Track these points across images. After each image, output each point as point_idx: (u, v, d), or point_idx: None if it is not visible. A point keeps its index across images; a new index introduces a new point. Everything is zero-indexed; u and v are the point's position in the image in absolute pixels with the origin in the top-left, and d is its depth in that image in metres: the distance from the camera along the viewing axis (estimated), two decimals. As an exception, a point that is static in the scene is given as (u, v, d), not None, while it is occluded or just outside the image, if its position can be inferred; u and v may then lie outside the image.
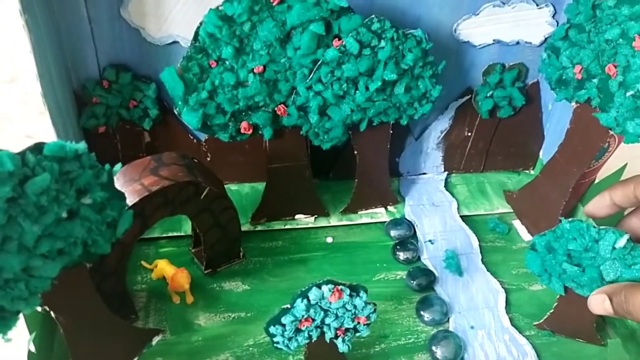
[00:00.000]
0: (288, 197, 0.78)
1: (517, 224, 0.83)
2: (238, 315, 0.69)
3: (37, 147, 0.45)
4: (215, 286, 0.72)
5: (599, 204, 0.63)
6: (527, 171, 0.91)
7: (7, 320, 0.47)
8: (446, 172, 0.89)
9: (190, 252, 0.75)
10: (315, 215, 0.81)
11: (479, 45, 0.76)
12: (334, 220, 0.81)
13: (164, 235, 0.76)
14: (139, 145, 0.76)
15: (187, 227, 0.76)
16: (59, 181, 0.47)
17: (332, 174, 0.86)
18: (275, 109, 0.68)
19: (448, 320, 0.69)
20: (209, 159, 0.79)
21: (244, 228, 0.75)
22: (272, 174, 0.75)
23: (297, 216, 0.80)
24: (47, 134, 0.94)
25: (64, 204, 0.48)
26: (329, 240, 0.79)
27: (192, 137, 0.77)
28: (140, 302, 0.69)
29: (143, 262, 0.72)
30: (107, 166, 0.51)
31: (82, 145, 0.48)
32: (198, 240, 0.73)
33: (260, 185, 0.81)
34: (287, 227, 0.80)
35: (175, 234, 0.76)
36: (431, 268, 0.75)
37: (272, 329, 0.55)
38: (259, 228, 0.79)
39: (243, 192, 0.83)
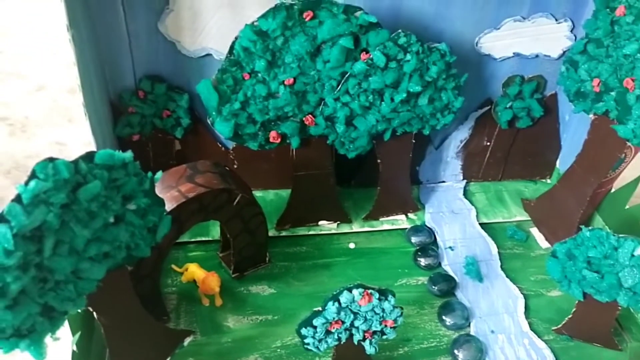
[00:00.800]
0: (312, 203, 0.80)
1: (534, 231, 0.85)
2: (265, 317, 0.71)
3: (89, 156, 0.48)
4: (243, 289, 0.74)
5: None
6: (544, 180, 0.93)
7: (56, 320, 0.50)
8: (465, 181, 0.92)
9: (218, 256, 0.77)
10: (338, 222, 0.83)
11: (500, 58, 0.79)
12: (356, 227, 0.83)
13: (193, 240, 0.79)
14: (170, 153, 0.78)
15: (214, 232, 0.79)
16: (107, 188, 0.49)
17: (354, 181, 0.88)
18: (304, 119, 0.70)
19: (469, 325, 0.71)
20: (235, 166, 0.82)
21: (269, 234, 0.78)
22: (297, 181, 0.77)
23: (320, 222, 0.82)
24: (76, 140, 0.98)
25: (111, 210, 0.51)
26: (352, 246, 0.81)
27: (220, 146, 0.80)
28: (171, 304, 0.72)
29: (173, 266, 0.75)
30: (149, 174, 0.54)
31: (128, 154, 0.51)
32: (226, 244, 0.75)
33: (284, 192, 0.84)
34: (310, 232, 0.82)
35: (203, 238, 0.79)
36: (452, 274, 0.77)
37: (303, 331, 0.57)
38: (284, 234, 0.82)
39: (268, 198, 0.86)
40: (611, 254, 0.61)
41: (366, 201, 0.85)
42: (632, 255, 0.60)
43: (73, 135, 0.95)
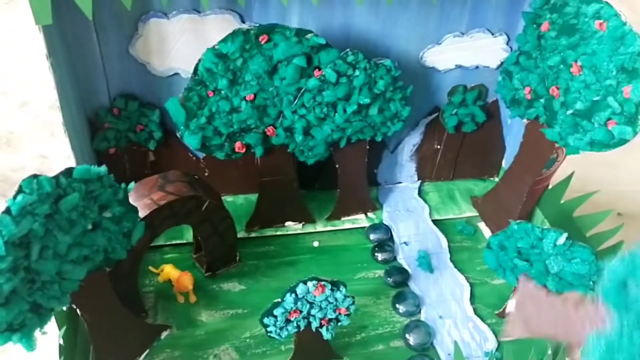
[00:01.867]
0: (278, 206, 0.87)
1: (482, 226, 0.93)
2: (236, 311, 0.78)
3: (68, 171, 0.55)
4: (215, 287, 0.81)
5: None
6: (492, 178, 1.02)
7: (44, 316, 0.56)
8: (419, 181, 1.00)
9: (192, 257, 0.84)
10: (303, 222, 0.90)
11: (443, 70, 0.86)
12: (319, 227, 0.91)
13: (168, 243, 0.85)
14: (144, 164, 0.85)
15: (188, 236, 0.86)
16: (85, 199, 0.56)
17: (317, 185, 0.95)
18: (265, 130, 0.77)
19: (420, 312, 0.79)
20: (207, 174, 0.89)
21: (239, 235, 0.84)
22: (263, 187, 0.85)
23: (286, 223, 0.90)
24: (57, 153, 1.05)
25: (89, 218, 0.57)
26: (316, 244, 0.89)
27: (192, 156, 0.87)
28: (149, 302, 0.78)
29: (150, 267, 0.81)
30: (123, 185, 0.61)
31: (103, 169, 0.58)
32: (199, 246, 0.82)
33: (253, 197, 0.91)
34: (278, 233, 0.89)
35: (178, 241, 0.86)
36: (405, 267, 0.85)
37: (265, 320, 0.65)
38: (253, 235, 0.89)
39: (238, 202, 0.93)
40: (537, 244, 0.69)
41: (329, 202, 0.93)
42: (555, 245, 0.68)
43: (55, 149, 1.02)
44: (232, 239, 0.81)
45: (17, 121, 1.09)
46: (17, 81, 1.14)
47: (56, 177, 0.53)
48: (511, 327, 0.56)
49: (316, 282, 0.64)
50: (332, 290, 0.64)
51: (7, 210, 0.50)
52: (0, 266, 0.49)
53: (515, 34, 0.84)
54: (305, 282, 0.63)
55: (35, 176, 0.51)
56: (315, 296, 0.64)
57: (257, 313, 0.77)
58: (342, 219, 0.92)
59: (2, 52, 1.17)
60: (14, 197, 0.50)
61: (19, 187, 0.51)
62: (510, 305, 0.60)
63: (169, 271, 0.79)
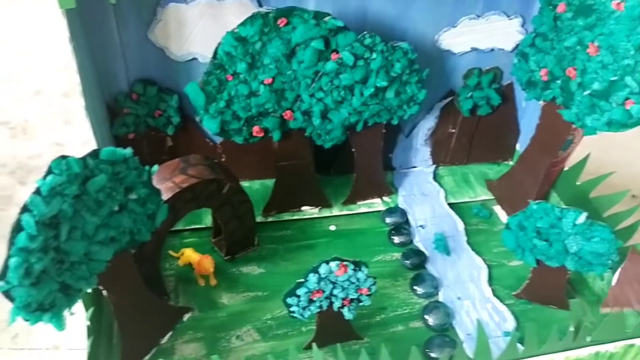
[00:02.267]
0: (295, 191, 0.88)
1: (497, 209, 0.94)
2: (256, 294, 0.79)
3: (95, 153, 0.56)
4: (235, 270, 0.82)
5: None
6: (506, 162, 1.02)
7: (73, 297, 0.57)
8: (434, 165, 1.00)
9: (211, 241, 0.85)
10: (320, 207, 0.91)
11: (459, 52, 0.87)
12: (336, 211, 0.91)
13: (187, 227, 0.86)
14: (162, 150, 0.86)
15: (207, 220, 0.86)
16: (111, 180, 0.57)
17: (333, 169, 0.96)
18: (283, 114, 0.78)
19: (438, 293, 0.80)
20: (223, 159, 0.90)
21: (257, 219, 0.85)
22: (280, 171, 0.85)
23: (303, 208, 0.90)
24: (73, 140, 1.05)
25: (116, 199, 0.58)
26: (332, 228, 0.89)
27: (209, 141, 0.87)
28: (170, 285, 0.79)
29: (171, 252, 0.82)
30: (147, 167, 0.61)
31: (128, 151, 0.58)
32: (218, 230, 0.83)
33: (269, 182, 0.91)
34: (295, 217, 0.90)
35: (196, 226, 0.86)
36: (422, 249, 0.85)
37: (289, 300, 0.65)
38: (270, 219, 0.89)
39: (254, 188, 0.93)
40: (556, 223, 0.70)
41: (345, 187, 0.93)
42: (574, 224, 0.69)
43: (71, 136, 1.02)
44: (251, 222, 0.82)
45: (32, 110, 1.10)
46: (30, 70, 1.14)
47: (84, 159, 0.54)
48: (613, 299, 0.56)
49: (339, 262, 0.64)
50: (354, 270, 0.65)
51: (37, 191, 0.51)
52: (31, 245, 0.50)
53: (531, 16, 0.84)
54: (327, 262, 0.64)
55: (63, 157, 0.52)
56: (337, 276, 0.65)
57: (277, 295, 0.79)
58: (358, 203, 0.92)
59: (17, 39, 1.18)
60: (44, 178, 0.51)
61: (49, 168, 0.51)
62: (615, 278, 0.59)
63: (190, 255, 0.79)
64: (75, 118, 1.04)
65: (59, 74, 1.10)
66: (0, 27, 1.16)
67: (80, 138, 1.01)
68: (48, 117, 1.07)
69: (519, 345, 0.65)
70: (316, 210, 0.91)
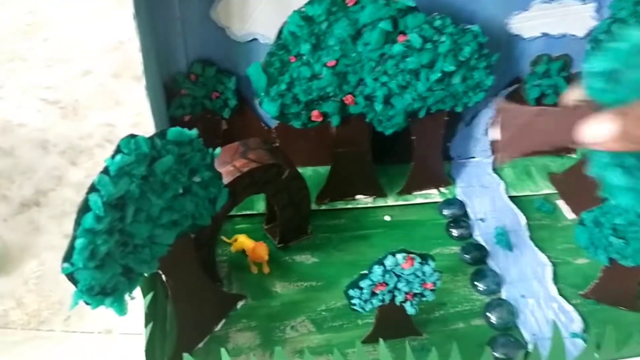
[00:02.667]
0: (350, 179, 0.85)
1: (561, 203, 0.89)
2: (310, 284, 0.77)
3: (162, 133, 0.53)
4: (288, 258, 0.80)
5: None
6: (569, 155, 0.97)
7: (134, 281, 0.56)
8: (494, 156, 0.96)
9: (263, 228, 0.83)
10: (374, 196, 0.88)
11: (528, 38, 0.82)
12: (390, 201, 0.88)
13: (240, 213, 0.84)
14: (217, 133, 0.84)
15: (259, 206, 0.84)
16: (177, 162, 0.55)
17: (388, 158, 0.93)
18: (344, 98, 0.75)
19: (500, 290, 0.76)
20: (277, 144, 0.87)
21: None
22: (337, 158, 0.82)
23: (357, 196, 0.88)
24: (123, 122, 1.04)
25: (180, 182, 0.56)
26: (387, 218, 0.86)
27: (263, 125, 0.85)
28: (223, 271, 0.77)
29: (223, 237, 0.80)
30: (210, 150, 0.59)
31: (194, 132, 0.56)
32: (271, 217, 0.81)
33: (322, 169, 0.89)
34: (348, 206, 0.87)
35: (249, 212, 0.84)
36: (483, 244, 0.82)
37: (351, 292, 0.63)
38: (323, 207, 0.87)
39: (306, 174, 0.90)
40: (636, 221, 0.66)
41: (399, 176, 0.90)
42: (656, 222, 0.65)
43: (121, 117, 1.01)
44: (307, 209, 0.79)
45: (81, 89, 1.09)
46: (81, 49, 1.13)
47: (151, 138, 0.52)
48: (501, 153, 0.51)
49: (405, 254, 0.61)
50: (420, 263, 0.62)
51: (106, 170, 0.49)
52: (98, 227, 0.49)
53: (606, 1, 0.79)
54: (394, 254, 0.61)
55: (132, 136, 0.50)
56: (403, 269, 0.62)
57: (332, 286, 0.77)
58: (414, 193, 0.89)
59: (69, 19, 1.17)
60: (112, 157, 0.49)
61: (117, 147, 0.49)
62: (493, 133, 0.53)
63: (243, 241, 0.77)
64: (126, 99, 1.03)
65: (111, 53, 1.09)
66: (55, 5, 1.15)
67: (130, 119, 1.00)
68: (98, 97, 1.06)
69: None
70: (370, 199, 0.88)
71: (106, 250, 0.50)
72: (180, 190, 0.56)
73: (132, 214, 0.52)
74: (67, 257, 0.49)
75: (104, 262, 0.51)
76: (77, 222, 0.49)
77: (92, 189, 0.48)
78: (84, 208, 0.49)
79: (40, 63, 1.15)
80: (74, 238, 0.49)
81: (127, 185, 0.50)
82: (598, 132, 0.41)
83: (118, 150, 0.49)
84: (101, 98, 1.06)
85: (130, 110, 1.00)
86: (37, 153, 0.95)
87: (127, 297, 0.55)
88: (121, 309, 0.54)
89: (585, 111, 0.43)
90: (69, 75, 1.12)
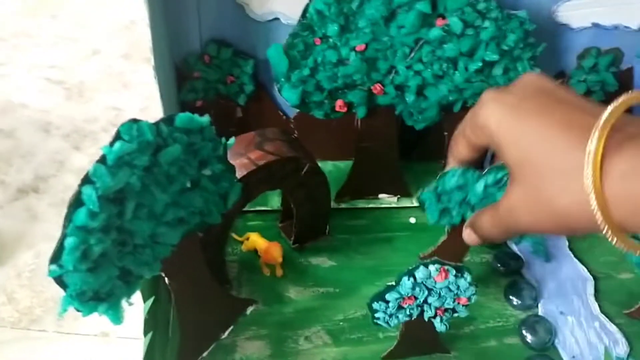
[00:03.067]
0: (373, 176, 0.78)
1: (603, 212, 0.82)
2: (326, 290, 0.70)
3: (170, 119, 0.47)
4: (303, 260, 0.73)
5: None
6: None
7: (133, 285, 0.49)
8: (529, 157, 0.88)
9: (278, 226, 0.76)
10: (399, 195, 0.81)
11: (577, 28, 0.74)
12: (416, 201, 0.81)
13: (252, 209, 0.77)
14: (231, 121, 0.77)
15: (273, 202, 0.78)
16: (185, 152, 0.48)
17: (415, 155, 0.85)
18: (372, 87, 0.68)
19: (537, 305, 0.69)
20: (295, 135, 0.80)
21: (329, 205, 0.76)
22: (360, 153, 0.75)
23: (380, 195, 0.81)
24: (131, 105, 0.98)
25: (188, 175, 0.50)
26: (412, 220, 0.79)
27: (281, 114, 0.78)
28: (232, 272, 0.71)
29: (234, 235, 0.74)
30: (223, 139, 0.52)
31: (206, 119, 0.49)
32: (287, 214, 0.74)
33: (342, 164, 0.82)
34: (370, 205, 0.80)
35: (262, 208, 0.78)
36: (518, 253, 0.74)
37: (375, 305, 0.56)
38: (343, 206, 0.80)
39: (326, 169, 0.82)
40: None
41: (427, 175, 0.82)
42: None
43: (129, 101, 0.95)
44: (327, 208, 0.72)
45: (88, 71, 1.02)
46: (90, 28, 1.07)
47: (157, 124, 0.45)
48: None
49: (439, 265, 0.54)
50: (455, 276, 0.55)
51: (103, 159, 0.42)
52: (91, 224, 0.42)
53: (667, -11, 0.71)
54: (426, 265, 0.54)
55: (135, 121, 0.43)
56: (436, 282, 0.55)
57: (351, 293, 0.70)
58: (442, 194, 0.82)
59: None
60: (111, 145, 0.42)
61: (117, 133, 0.43)
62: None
63: (256, 240, 0.71)
64: (135, 81, 0.97)
65: (121, 33, 1.02)
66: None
67: (139, 103, 0.93)
68: (106, 79, 1.00)
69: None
70: (394, 199, 0.81)
71: (101, 250, 0.44)
72: (188, 184, 0.50)
73: (133, 209, 0.45)
74: (55, 258, 0.42)
75: (98, 264, 0.44)
76: (68, 218, 0.42)
77: (87, 180, 0.42)
78: (76, 202, 0.42)
79: (47, 41, 1.09)
80: (63, 236, 0.42)
81: (127, 176, 0.43)
82: (469, 239, 0.54)
83: (117, 137, 0.43)
84: (109, 80, 0.99)
85: (140, 94, 0.93)
86: (39, 136, 0.89)
87: (124, 302, 0.49)
88: (117, 316, 0.47)
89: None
90: (77, 54, 1.06)
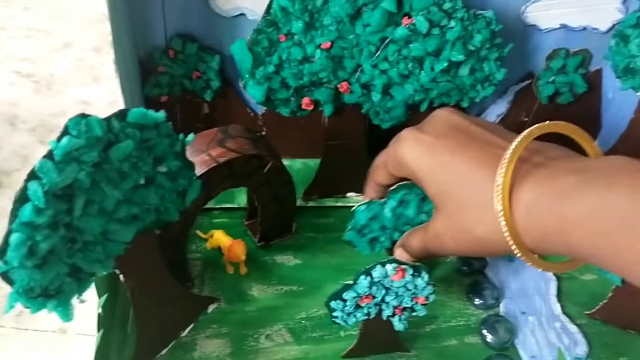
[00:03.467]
0: (341, 174, 0.78)
1: (569, 212, 0.82)
2: (290, 288, 0.70)
3: (122, 114, 0.46)
4: (268, 259, 0.73)
5: (372, 192, 0.61)
6: (580, 160, 0.90)
7: (84, 282, 0.49)
8: (498, 157, 0.89)
9: (244, 224, 0.76)
10: (367, 194, 0.81)
11: (545, 29, 0.74)
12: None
13: (218, 206, 0.77)
14: (198, 117, 0.76)
15: (240, 200, 0.77)
16: (138, 148, 0.48)
17: (384, 153, 0.85)
18: (338, 85, 0.67)
19: (499, 305, 0.69)
20: (264, 132, 0.80)
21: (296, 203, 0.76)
22: (328, 151, 0.75)
23: (348, 194, 0.80)
24: (100, 99, 0.97)
25: (142, 171, 0.49)
26: (380, 219, 0.79)
27: (249, 111, 0.78)
28: (196, 270, 0.70)
29: (199, 232, 0.73)
30: (181, 136, 0.52)
31: (161, 114, 0.49)
32: (252, 212, 0.74)
33: (312, 162, 0.81)
34: (338, 204, 0.80)
35: (228, 205, 0.77)
36: (482, 252, 0.75)
37: (333, 304, 0.56)
38: (311, 204, 0.80)
39: (295, 167, 0.83)
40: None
41: (396, 174, 0.83)
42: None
43: (98, 95, 0.94)
44: (292, 206, 0.72)
45: (59, 63, 1.01)
46: (61, 20, 1.05)
47: (108, 120, 0.45)
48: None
49: (396, 264, 0.54)
50: (413, 275, 0.55)
51: (50, 155, 0.41)
52: (38, 220, 0.41)
53: (635, -8, 0.71)
54: (383, 264, 0.54)
55: (84, 116, 0.43)
56: (393, 281, 0.55)
57: (314, 292, 0.70)
58: (410, 193, 0.82)
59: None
60: (58, 140, 0.42)
61: (65, 128, 0.42)
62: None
63: (220, 238, 0.70)
64: (104, 75, 0.95)
65: (92, 26, 1.01)
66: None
67: (108, 98, 0.92)
68: (76, 72, 0.98)
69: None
70: (362, 198, 0.81)
71: (48, 247, 0.43)
72: (142, 181, 0.49)
73: (82, 206, 0.45)
74: (1, 254, 0.42)
75: (45, 261, 0.44)
76: (13, 214, 0.42)
77: (33, 175, 0.41)
78: (22, 198, 0.41)
79: (19, 33, 1.08)
80: (9, 232, 0.42)
81: (75, 172, 0.43)
82: (400, 257, 0.56)
83: (65, 132, 0.42)
84: (79, 73, 0.98)
85: (108, 88, 0.92)
86: (4, 129, 0.88)
87: (75, 299, 0.48)
88: (66, 313, 0.47)
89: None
90: (48, 47, 1.04)
